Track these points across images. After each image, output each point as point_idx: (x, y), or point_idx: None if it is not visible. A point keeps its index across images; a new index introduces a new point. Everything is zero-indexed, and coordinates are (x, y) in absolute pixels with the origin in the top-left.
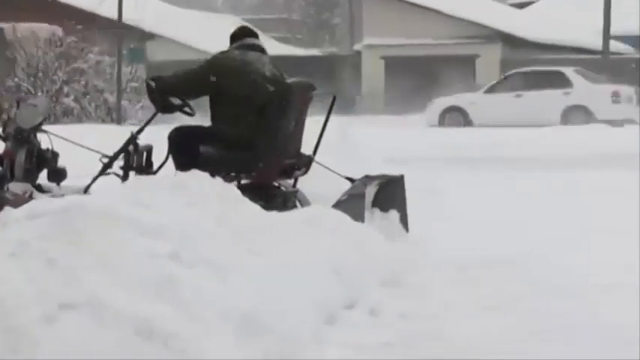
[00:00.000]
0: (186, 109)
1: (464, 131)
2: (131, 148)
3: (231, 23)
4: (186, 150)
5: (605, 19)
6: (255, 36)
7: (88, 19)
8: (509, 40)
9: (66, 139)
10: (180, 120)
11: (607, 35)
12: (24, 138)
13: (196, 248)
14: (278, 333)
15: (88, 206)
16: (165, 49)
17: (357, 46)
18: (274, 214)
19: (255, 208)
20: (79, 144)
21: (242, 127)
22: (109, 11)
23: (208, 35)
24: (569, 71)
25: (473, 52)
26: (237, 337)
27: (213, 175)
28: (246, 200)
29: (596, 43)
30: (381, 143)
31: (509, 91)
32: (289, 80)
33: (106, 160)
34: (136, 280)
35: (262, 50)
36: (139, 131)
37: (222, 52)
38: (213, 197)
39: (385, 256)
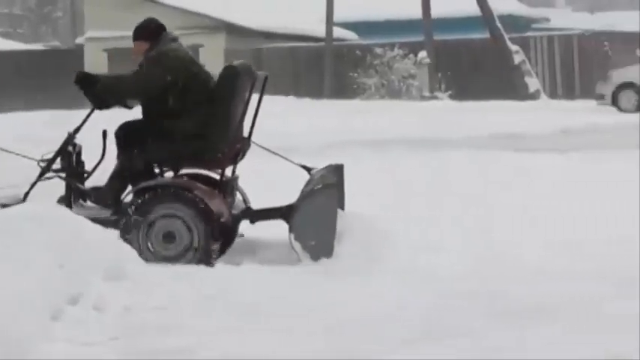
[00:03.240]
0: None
1: None
2: (70, 148)
3: None
4: (135, 146)
5: (328, 6)
6: None
7: None
8: (232, 30)
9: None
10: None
11: (330, 22)
12: None
13: None
14: (4, 331)
15: None
16: None
17: (79, 39)
18: None
19: None
20: (12, 152)
21: (191, 118)
22: None
23: None
24: None
25: (197, 42)
26: None
27: (161, 168)
28: None
29: (320, 30)
30: None
31: None
32: (233, 62)
33: (43, 165)
34: None
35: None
36: (76, 130)
37: (164, 49)
38: None
39: (109, 250)
